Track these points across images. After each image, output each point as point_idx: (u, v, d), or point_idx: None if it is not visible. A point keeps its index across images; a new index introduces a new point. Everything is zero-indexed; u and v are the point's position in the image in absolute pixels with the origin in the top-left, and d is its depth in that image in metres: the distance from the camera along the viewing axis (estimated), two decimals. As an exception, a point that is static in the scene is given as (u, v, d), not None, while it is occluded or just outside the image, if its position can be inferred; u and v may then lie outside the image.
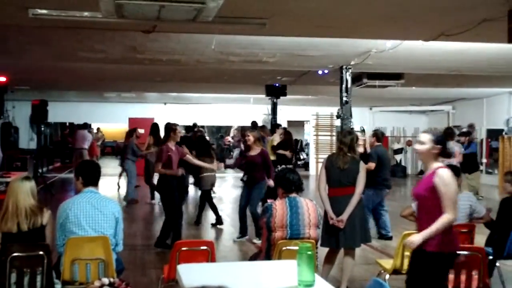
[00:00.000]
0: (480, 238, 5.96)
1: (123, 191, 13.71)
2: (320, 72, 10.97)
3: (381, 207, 8.66)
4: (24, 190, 4.49)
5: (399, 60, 9.36)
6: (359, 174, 5.68)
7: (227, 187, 16.64)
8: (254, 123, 13.79)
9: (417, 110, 20.92)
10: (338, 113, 10.29)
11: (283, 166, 10.60)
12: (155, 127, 11.98)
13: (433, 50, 8.40)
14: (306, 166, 21.66)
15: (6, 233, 4.38)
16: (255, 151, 8.34)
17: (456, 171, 5.76)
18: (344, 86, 10.18)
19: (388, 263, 5.22)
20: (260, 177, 8.34)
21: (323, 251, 5.77)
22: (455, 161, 10.07)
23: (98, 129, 24.43)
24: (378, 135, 8.83)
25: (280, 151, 11.21)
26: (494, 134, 16.96)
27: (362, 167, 5.76)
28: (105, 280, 2.84)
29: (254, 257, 5.33)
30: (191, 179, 13.23)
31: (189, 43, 8.11)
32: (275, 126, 12.90)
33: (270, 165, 8.47)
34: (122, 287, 2.80)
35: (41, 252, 4.24)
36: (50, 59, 10.07)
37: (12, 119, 19.17)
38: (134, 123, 16.92)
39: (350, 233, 5.64)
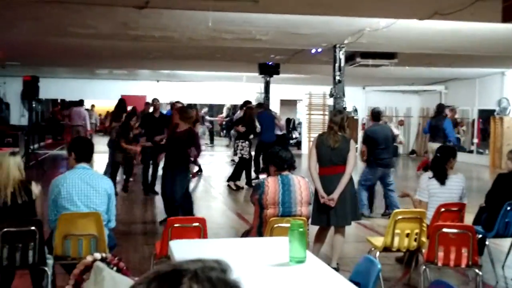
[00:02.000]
0: (470, 217, 6.02)
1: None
2: (313, 50, 10.92)
3: (386, 187, 8.71)
4: (11, 164, 4.48)
5: (393, 39, 9.32)
6: (349, 153, 5.70)
7: (218, 164, 16.67)
8: (246, 102, 13.76)
9: (409, 90, 20.93)
10: (331, 92, 10.27)
11: (241, 140, 11.22)
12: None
13: (427, 29, 8.36)
14: (298, 145, 21.70)
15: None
16: (181, 127, 7.62)
17: (452, 151, 5.81)
18: (337, 65, 10.13)
19: (378, 241, 5.27)
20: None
21: (313, 229, 5.81)
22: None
23: (92, 106, 24.30)
24: (374, 114, 8.99)
25: (237, 128, 11.55)
26: (486, 114, 17.02)
27: (353, 146, 5.78)
28: (97, 255, 2.85)
29: (245, 234, 5.37)
30: None
31: (182, 19, 8.04)
32: (245, 103, 12.97)
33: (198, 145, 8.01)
34: (114, 262, 2.81)
35: (33, 227, 4.25)
36: (40, 35, 9.95)
37: (3, 95, 19.02)
38: (127, 100, 16.83)
39: (341, 211, 5.68)
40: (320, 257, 5.70)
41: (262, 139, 11.88)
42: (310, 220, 5.45)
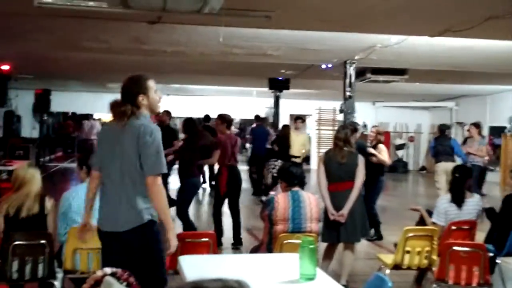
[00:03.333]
0: (482, 235, 5.96)
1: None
2: (324, 66, 10.94)
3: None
4: (38, 177, 4.54)
5: (404, 55, 9.33)
6: (357, 168, 5.68)
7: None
8: (257, 117, 13.80)
9: (420, 106, 20.87)
10: (341, 107, 10.27)
11: (274, 159, 11.10)
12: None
13: (438, 46, 8.37)
14: (307, 160, 21.66)
15: (9, 218, 4.40)
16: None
17: (469, 171, 5.75)
18: (347, 80, 10.15)
19: (389, 258, 5.23)
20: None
21: (322, 246, 5.77)
22: None
23: (99, 119, 24.41)
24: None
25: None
26: (497, 131, 16.93)
27: (361, 160, 5.76)
28: (107, 270, 2.84)
29: (255, 250, 5.35)
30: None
31: (194, 35, 8.10)
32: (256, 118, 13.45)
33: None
34: (124, 277, 2.80)
35: (43, 241, 4.26)
36: (54, 48, 10.05)
37: (15, 107, 19.16)
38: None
39: (351, 227, 5.64)
40: (330, 274, 5.67)
41: (254, 152, 12.54)
42: (320, 237, 5.43)
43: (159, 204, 3.52)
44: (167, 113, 11.02)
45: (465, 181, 5.48)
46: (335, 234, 5.67)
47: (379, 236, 8.14)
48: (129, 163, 3.53)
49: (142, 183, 3.51)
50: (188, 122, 7.89)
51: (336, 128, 20.41)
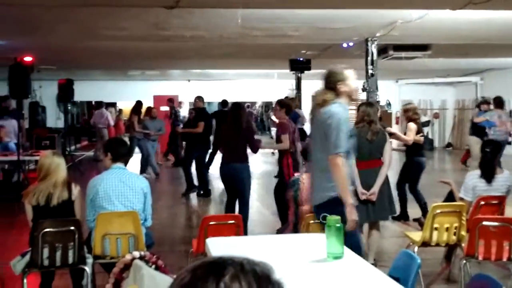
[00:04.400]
0: (511, 210, 5.88)
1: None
2: (344, 45, 10.83)
3: None
4: (63, 165, 4.59)
5: (426, 30, 9.18)
6: (386, 145, 5.67)
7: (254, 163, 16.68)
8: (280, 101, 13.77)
9: (444, 82, 20.56)
10: (363, 86, 10.17)
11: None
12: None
13: (461, 19, 8.21)
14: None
15: (37, 207, 4.46)
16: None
17: (499, 146, 5.66)
18: (369, 58, 10.03)
19: (417, 235, 5.20)
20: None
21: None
22: None
23: (119, 110, 24.50)
24: None
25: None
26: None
27: (388, 138, 5.73)
28: (136, 254, 2.87)
29: (281, 231, 5.36)
30: None
31: (213, 18, 8.07)
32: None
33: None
34: (153, 260, 2.84)
35: (72, 227, 4.32)
36: (75, 38, 10.12)
37: (39, 98, 19.39)
38: (159, 100, 17.00)
39: (379, 205, 5.63)
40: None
41: None
42: None
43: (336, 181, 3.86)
44: (199, 98, 11.12)
45: (495, 157, 5.40)
46: (365, 212, 5.66)
47: (405, 217, 8.05)
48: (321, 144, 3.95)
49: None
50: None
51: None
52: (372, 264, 5.26)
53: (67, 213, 4.49)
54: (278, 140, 7.26)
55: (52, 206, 4.45)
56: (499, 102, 11.91)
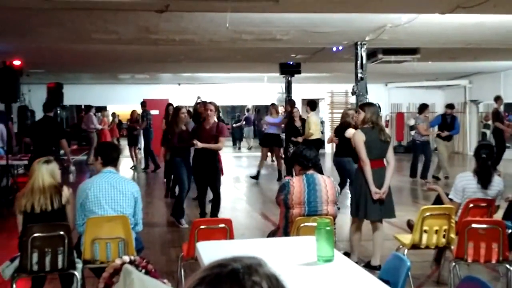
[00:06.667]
0: (500, 212, 5.92)
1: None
2: (334, 48, 10.87)
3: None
4: (44, 172, 4.53)
5: (415, 34, 9.23)
6: (390, 146, 5.85)
7: (244, 166, 16.67)
8: (273, 105, 13.84)
9: (433, 85, 20.68)
10: (353, 89, 10.20)
11: None
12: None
13: (450, 23, 8.26)
14: (321, 143, 21.61)
15: (28, 213, 4.44)
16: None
17: (493, 149, 5.69)
18: (359, 62, 10.07)
19: (406, 238, 5.22)
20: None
21: (339, 228, 5.80)
22: None
23: (113, 114, 24.36)
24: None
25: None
26: (511, 108, 16.74)
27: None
28: (126, 258, 2.86)
29: (271, 235, 5.35)
30: None
31: (202, 22, 8.07)
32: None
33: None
34: (143, 264, 2.82)
35: (61, 232, 4.29)
36: (64, 42, 10.06)
37: (28, 102, 19.26)
38: (149, 104, 16.94)
39: (388, 204, 5.80)
40: (360, 248, 5.89)
41: None
42: (359, 215, 5.75)
43: None
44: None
45: (491, 161, 5.43)
46: (378, 210, 5.79)
47: None
48: None
49: None
50: None
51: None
52: (378, 266, 5.39)
53: (58, 218, 4.46)
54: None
55: (42, 212, 4.43)
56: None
